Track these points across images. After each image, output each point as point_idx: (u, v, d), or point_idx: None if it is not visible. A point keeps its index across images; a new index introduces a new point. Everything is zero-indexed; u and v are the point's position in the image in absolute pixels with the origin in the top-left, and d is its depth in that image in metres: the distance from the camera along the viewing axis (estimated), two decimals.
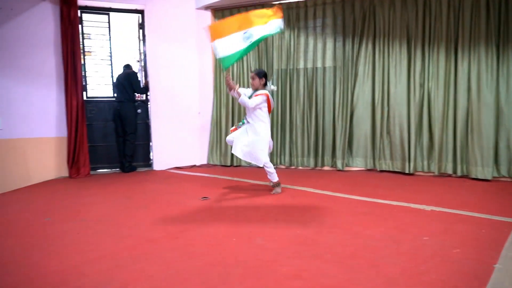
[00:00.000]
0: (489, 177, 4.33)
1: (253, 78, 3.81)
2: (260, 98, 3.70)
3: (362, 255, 2.24)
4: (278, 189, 3.90)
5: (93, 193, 4.14)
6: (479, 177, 4.38)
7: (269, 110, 3.84)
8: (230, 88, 3.60)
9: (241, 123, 3.94)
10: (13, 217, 3.24)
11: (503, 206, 3.27)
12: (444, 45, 4.60)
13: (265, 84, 3.82)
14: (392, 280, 1.91)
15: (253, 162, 3.79)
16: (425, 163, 4.79)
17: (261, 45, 5.57)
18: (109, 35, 5.53)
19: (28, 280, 2.01)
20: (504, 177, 4.37)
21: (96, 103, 5.50)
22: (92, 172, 5.33)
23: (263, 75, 3.80)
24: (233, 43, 3.23)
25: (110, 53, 5.57)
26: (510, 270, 1.99)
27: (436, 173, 4.71)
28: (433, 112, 4.71)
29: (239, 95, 3.63)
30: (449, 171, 4.65)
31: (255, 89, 3.80)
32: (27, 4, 4.94)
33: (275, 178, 3.87)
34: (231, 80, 3.64)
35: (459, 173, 4.58)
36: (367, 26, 5.04)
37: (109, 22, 5.50)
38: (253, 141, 3.70)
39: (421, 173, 4.84)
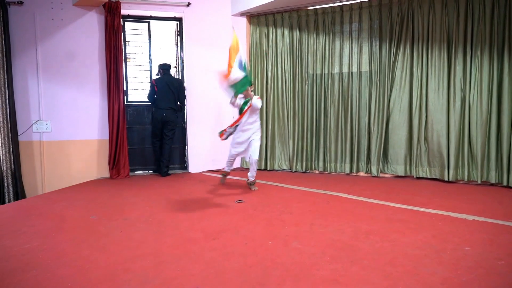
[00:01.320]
0: None
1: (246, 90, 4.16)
2: (259, 99, 4.18)
3: (400, 263, 2.22)
4: (255, 187, 4.40)
5: (134, 193, 4.32)
6: None
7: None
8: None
9: (231, 129, 4.39)
10: (61, 214, 3.45)
11: None
12: (487, 49, 4.45)
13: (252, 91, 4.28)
14: None
15: (253, 155, 4.20)
16: (466, 171, 4.63)
17: (296, 50, 5.61)
18: (149, 42, 5.74)
19: (81, 272, 2.15)
20: None
21: (136, 107, 5.74)
22: (131, 174, 5.55)
23: (251, 84, 4.23)
24: (236, 73, 3.95)
25: (150, 59, 5.79)
26: None
27: (479, 182, 4.54)
28: (475, 119, 4.55)
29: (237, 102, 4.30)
30: (492, 180, 4.47)
31: (245, 97, 4.23)
32: (75, 14, 5.26)
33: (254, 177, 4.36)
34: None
35: (504, 182, 4.39)
36: (405, 30, 4.95)
37: (149, 30, 5.73)
38: (257, 140, 4.28)
39: (462, 182, 4.68)
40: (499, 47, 4.40)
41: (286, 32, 5.67)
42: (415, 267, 2.15)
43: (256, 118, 4.28)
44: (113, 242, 2.66)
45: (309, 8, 5.48)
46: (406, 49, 4.96)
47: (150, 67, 5.81)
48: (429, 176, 4.85)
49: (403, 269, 2.13)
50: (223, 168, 4.79)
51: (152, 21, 5.78)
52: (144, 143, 5.77)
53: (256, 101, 4.12)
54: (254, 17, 5.83)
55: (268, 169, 5.81)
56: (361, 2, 5.17)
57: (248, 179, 4.38)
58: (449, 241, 2.59)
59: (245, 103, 4.25)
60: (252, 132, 4.26)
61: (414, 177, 4.97)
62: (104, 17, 5.25)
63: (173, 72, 6.03)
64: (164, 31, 6.54)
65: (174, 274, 2.10)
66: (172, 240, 2.68)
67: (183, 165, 5.96)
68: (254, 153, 4.20)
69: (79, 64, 5.32)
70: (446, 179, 4.68)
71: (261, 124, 5.82)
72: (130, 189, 4.56)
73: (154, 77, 5.68)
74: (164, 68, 5.50)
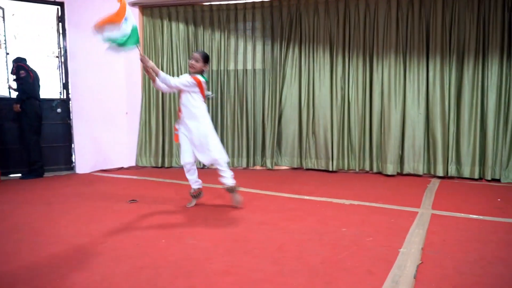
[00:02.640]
0: (394, 173, 4.85)
1: (196, 60, 3.17)
2: (187, 77, 3.13)
3: (288, 249, 2.38)
4: (238, 197, 3.35)
5: (6, 200, 3.78)
6: (389, 173, 4.87)
7: (204, 100, 3.29)
8: (145, 62, 3.06)
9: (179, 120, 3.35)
10: None
11: (409, 197, 3.70)
12: (361, 52, 5.03)
13: (203, 72, 3.24)
14: (314, 269, 2.07)
15: (215, 164, 3.30)
16: (346, 161, 5.19)
17: (192, 46, 5.56)
18: (4, 26, 5.07)
19: None
20: (409, 174, 4.92)
21: (6, 101, 5.00)
22: (3, 178, 4.83)
23: (207, 61, 3.23)
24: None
25: (5, 45, 5.11)
26: (411, 253, 2.27)
27: (357, 170, 5.14)
28: (353, 114, 5.12)
29: (156, 72, 3.06)
30: (367, 168, 5.10)
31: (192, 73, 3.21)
32: None
33: (231, 180, 3.30)
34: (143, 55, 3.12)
35: (375, 169, 5.05)
36: (294, 30, 5.30)
37: (22, 14, 5.05)
38: (203, 140, 3.21)
39: (343, 171, 5.24)
40: (370, 50, 5.02)
41: (182, 26, 5.57)
42: (300, 251, 2.33)
43: (195, 108, 3.17)
44: None
45: (204, 4, 5.46)
46: (295, 48, 5.32)
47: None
48: (316, 167, 5.31)
49: (290, 254, 2.29)
50: (190, 190, 3.47)
51: (26, 4, 5.09)
52: (20, 142, 5.07)
53: (167, 76, 3.08)
54: (147, 8, 5.59)
55: (166, 166, 5.66)
56: (254, 2, 5.36)
57: (225, 185, 3.30)
58: (330, 224, 2.87)
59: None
60: (196, 127, 3.19)
61: (304, 168, 5.38)
62: None
63: (55, 63, 5.43)
64: (43, 16, 5.82)
65: (51, 286, 1.90)
66: (53, 248, 2.42)
67: (69, 165, 5.42)
68: (211, 153, 3.21)
69: None
70: (330, 169, 5.18)
71: (157, 120, 5.65)
72: (1, 196, 3.97)
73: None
74: (19, 59, 4.97)
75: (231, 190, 3.32)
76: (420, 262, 2.13)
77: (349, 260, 2.18)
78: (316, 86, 5.24)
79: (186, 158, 3.29)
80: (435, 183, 4.43)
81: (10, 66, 5.02)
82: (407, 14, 4.80)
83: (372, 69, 5.00)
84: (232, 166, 5.60)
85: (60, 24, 5.27)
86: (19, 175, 4.94)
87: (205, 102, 3.30)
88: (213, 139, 3.25)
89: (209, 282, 1.93)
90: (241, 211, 3.29)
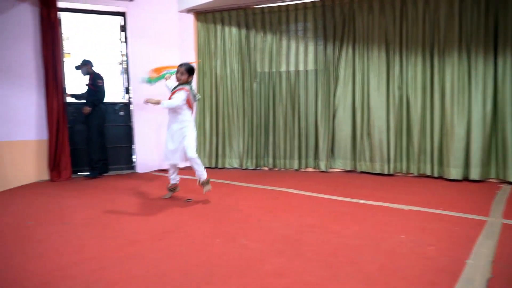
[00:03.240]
0: (460, 178, 4.51)
1: (182, 73, 3.59)
2: (182, 93, 3.52)
3: (341, 254, 2.32)
4: (209, 187, 3.70)
5: (76, 196, 4.11)
6: (452, 178, 4.55)
7: (191, 107, 3.67)
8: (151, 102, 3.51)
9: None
10: None
11: (476, 205, 3.43)
12: (420, 50, 4.77)
13: (189, 82, 3.65)
14: (370, 276, 2.00)
15: (177, 160, 3.62)
16: (404, 164, 4.94)
17: (244, 49, 5.64)
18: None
19: (12, 282, 2.01)
20: (474, 180, 4.55)
21: (78, 106, 5.43)
22: (73, 175, 5.26)
23: (192, 73, 3.64)
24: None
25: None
26: (480, 265, 2.10)
27: (415, 174, 4.87)
28: (412, 115, 4.87)
29: (156, 100, 3.49)
30: (428, 172, 4.81)
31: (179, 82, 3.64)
32: (6, 6, 4.86)
33: (205, 174, 3.67)
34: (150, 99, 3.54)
35: (436, 174, 4.74)
36: (347, 30, 5.17)
37: (89, 25, 5.46)
38: (188, 136, 3.60)
39: (401, 174, 5.00)
40: (430, 48, 4.73)
41: (234, 30, 5.68)
42: (355, 257, 2.26)
43: (181, 114, 3.59)
44: (51, 248, 2.51)
45: (256, 6, 5.53)
46: (349, 49, 5.18)
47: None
48: (371, 171, 5.12)
49: (344, 259, 2.23)
50: (168, 184, 3.93)
51: (93, 15, 5.51)
52: (88, 143, 5.48)
53: (168, 102, 3.52)
54: (201, 14, 5.77)
55: (219, 167, 5.80)
56: (305, 3, 5.31)
57: (199, 179, 3.70)
58: (387, 230, 2.75)
59: (173, 90, 3.66)
60: (179, 129, 3.59)
61: (359, 171, 5.21)
62: (39, 9, 4.91)
63: (119, 69, 5.81)
64: (108, 26, 6.24)
65: (116, 278, 2.03)
66: (116, 243, 2.58)
67: (130, 165, 5.76)
68: (187, 151, 3.55)
69: (11, 59, 4.91)
70: (386, 172, 4.96)
71: (211, 122, 5.82)
72: (72, 192, 4.33)
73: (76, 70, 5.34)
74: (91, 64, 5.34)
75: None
76: (491, 276, 1.97)
77: (408, 269, 2.08)
78: (371, 87, 5.06)
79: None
80: (506, 190, 4.06)
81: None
82: (471, 7, 4.46)
83: (433, 67, 4.71)
84: (284, 167, 5.60)
85: (123, 33, 5.63)
86: (87, 173, 5.33)
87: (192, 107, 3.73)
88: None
89: (262, 283, 1.94)
90: (293, 214, 3.27)
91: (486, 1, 4.39)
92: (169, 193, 3.94)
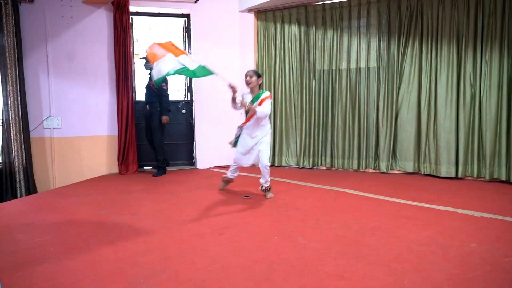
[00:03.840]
0: None
1: (250, 76, 3.59)
2: (269, 101, 3.55)
3: (406, 259, 2.22)
4: (271, 194, 3.82)
5: (143, 189, 4.38)
6: None
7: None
8: (234, 97, 3.49)
9: (239, 130, 3.82)
10: (71, 209, 3.51)
11: None
12: (498, 45, 4.37)
13: (261, 85, 3.70)
14: (438, 286, 1.88)
15: (262, 160, 3.60)
16: (475, 168, 4.58)
17: (304, 46, 5.60)
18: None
19: (91, 266, 2.20)
20: None
21: (143, 104, 5.77)
22: (139, 170, 5.62)
23: (260, 75, 3.66)
24: (168, 63, 3.24)
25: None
26: None
27: (487, 179, 4.50)
28: (484, 115, 4.49)
29: (248, 105, 3.49)
30: (502, 177, 4.41)
31: (252, 90, 3.65)
32: (85, 12, 5.32)
33: (269, 182, 3.77)
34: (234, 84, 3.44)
35: None
36: (414, 25, 4.91)
37: (155, 26, 5.77)
38: (266, 143, 3.66)
39: (471, 178, 4.64)
40: (510, 42, 4.32)
41: (294, 28, 5.66)
42: (420, 263, 2.15)
43: (265, 121, 3.66)
44: (121, 236, 2.71)
45: (317, 3, 5.45)
46: (415, 44, 4.92)
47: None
48: (436, 173, 4.81)
49: (409, 265, 2.13)
50: (225, 175, 4.12)
51: (160, 18, 5.82)
52: (153, 144, 5.80)
53: (262, 109, 3.49)
54: (262, 13, 5.82)
55: (276, 165, 5.83)
56: None
57: (262, 186, 3.79)
58: (456, 237, 2.57)
59: (253, 102, 3.62)
60: (260, 137, 3.66)
61: (422, 173, 4.93)
62: (112, 14, 5.30)
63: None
64: (172, 27, 6.56)
65: (181, 268, 2.13)
66: (179, 235, 2.71)
67: (191, 161, 6.01)
68: (263, 157, 3.60)
69: (88, 61, 5.38)
70: (454, 175, 4.64)
71: (270, 120, 5.85)
72: (139, 185, 4.62)
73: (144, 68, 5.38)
74: None
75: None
76: None
77: (482, 281, 1.92)
78: (439, 84, 4.75)
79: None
80: None
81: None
82: None
83: None
84: (342, 167, 5.47)
85: (186, 33, 5.87)
86: (154, 173, 5.54)
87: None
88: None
89: (321, 285, 1.92)
90: (353, 215, 3.18)
91: None
92: (224, 184, 4.15)
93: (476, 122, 4.56)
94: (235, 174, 4.05)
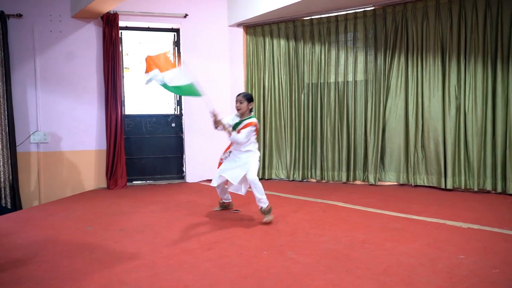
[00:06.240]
0: None
1: (240, 102, 3.47)
2: (248, 129, 3.40)
3: (395, 272, 2.22)
4: (270, 217, 3.37)
5: (131, 204, 4.32)
6: None
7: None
8: (216, 121, 3.31)
9: (226, 154, 3.70)
10: (58, 225, 3.44)
11: None
12: (481, 57, 4.48)
13: (251, 110, 3.55)
14: None
15: (248, 174, 3.35)
16: (463, 178, 4.63)
17: (292, 60, 5.66)
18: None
19: (73, 284, 2.15)
20: None
21: (133, 118, 5.76)
22: (128, 184, 5.55)
23: (251, 100, 3.52)
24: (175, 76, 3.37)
25: None
26: None
27: (475, 189, 4.55)
28: (470, 126, 4.57)
29: (227, 129, 3.35)
30: (489, 187, 4.47)
31: (241, 114, 3.51)
32: (74, 26, 5.33)
33: (266, 201, 3.37)
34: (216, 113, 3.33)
35: (499, 189, 4.40)
36: (399, 38, 5.01)
37: (145, 40, 5.79)
38: (253, 162, 3.45)
39: (459, 189, 4.69)
40: (492, 55, 4.44)
41: (282, 42, 5.73)
42: (409, 276, 2.15)
43: (249, 147, 3.48)
44: (107, 253, 2.66)
45: (304, 18, 5.54)
46: (401, 57, 5.01)
47: None
48: (426, 184, 4.86)
49: (398, 279, 2.13)
50: (220, 200, 3.89)
51: (149, 32, 5.85)
52: (142, 153, 5.78)
53: (235, 136, 3.38)
54: (251, 27, 5.89)
55: (266, 178, 5.82)
56: (356, 12, 5.23)
57: (260, 208, 3.37)
58: (444, 249, 2.59)
59: (237, 125, 3.49)
60: (244, 161, 3.46)
61: (412, 185, 4.97)
62: (102, 28, 5.31)
63: None
64: (161, 42, 6.59)
65: (168, 285, 2.10)
66: (168, 251, 2.68)
67: (181, 174, 5.97)
68: (249, 172, 3.35)
69: (77, 75, 5.36)
70: (443, 186, 4.68)
71: (259, 133, 5.87)
72: (127, 200, 4.56)
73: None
74: None
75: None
76: None
77: None
78: (425, 96, 4.83)
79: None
80: None
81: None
82: None
83: (496, 75, 4.40)
84: (332, 180, 5.49)
85: (176, 48, 5.90)
86: (140, 182, 5.56)
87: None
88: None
89: None
90: (342, 228, 3.18)
91: None
92: (220, 207, 3.91)
93: (462, 134, 4.63)
94: (229, 196, 3.83)
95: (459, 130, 4.65)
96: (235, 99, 3.56)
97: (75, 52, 5.34)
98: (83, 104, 5.38)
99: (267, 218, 3.34)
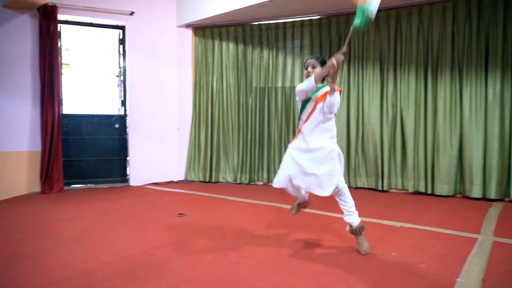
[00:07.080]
0: (450, 194, 4.55)
1: (313, 66, 2.67)
2: (338, 94, 2.59)
3: (333, 271, 2.31)
4: (366, 244, 2.59)
5: (68, 209, 4.07)
6: (444, 194, 4.57)
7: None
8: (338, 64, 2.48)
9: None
10: None
11: (467, 222, 3.43)
12: (414, 67, 4.83)
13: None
14: None
15: (315, 191, 2.62)
16: (399, 180, 4.95)
17: (241, 64, 5.71)
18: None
19: None
20: (466, 196, 4.56)
21: (73, 117, 5.43)
22: (66, 188, 5.22)
23: (325, 63, 2.63)
24: None
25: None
26: (470, 284, 2.10)
27: (410, 191, 4.88)
28: (406, 132, 4.91)
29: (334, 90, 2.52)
30: (422, 189, 4.81)
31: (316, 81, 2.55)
32: (5, 17, 4.90)
33: (356, 218, 2.60)
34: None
35: (430, 191, 4.76)
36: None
37: (89, 36, 5.51)
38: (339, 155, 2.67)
39: (395, 191, 5.00)
40: (424, 67, 4.81)
41: (231, 45, 5.75)
42: (346, 275, 2.25)
43: (325, 132, 2.65)
44: (38, 263, 2.47)
45: (253, 23, 5.61)
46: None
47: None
48: (366, 186, 5.13)
49: (336, 277, 2.22)
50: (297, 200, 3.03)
51: (93, 28, 5.56)
52: (82, 156, 5.47)
53: (337, 95, 2.55)
54: (200, 29, 5.84)
55: (213, 181, 5.78)
56: (302, 20, 5.40)
57: (351, 226, 2.61)
58: (379, 247, 2.74)
59: (316, 92, 2.63)
60: (329, 151, 2.60)
61: (353, 187, 5.22)
62: (38, 21, 4.95)
63: (116, 81, 5.84)
64: (106, 39, 6.30)
65: None
66: (106, 258, 2.55)
67: (124, 178, 5.73)
68: (337, 178, 2.60)
69: (8, 70, 4.93)
70: (380, 188, 4.97)
71: (206, 136, 5.84)
72: (64, 204, 4.29)
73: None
74: None
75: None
76: None
77: (400, 287, 2.06)
78: (365, 103, 5.11)
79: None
80: (497, 207, 4.08)
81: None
82: (464, 28, 4.55)
83: (426, 85, 4.77)
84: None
85: (121, 46, 5.68)
86: (78, 186, 5.27)
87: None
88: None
89: None
90: (286, 229, 3.25)
91: (478, 21, 4.48)
92: (296, 208, 3.04)
93: (398, 138, 4.96)
94: (303, 194, 2.95)
95: (395, 135, 4.97)
96: (304, 66, 2.77)
97: (5, 45, 4.92)
98: (14, 102, 4.96)
99: (364, 248, 2.60)
